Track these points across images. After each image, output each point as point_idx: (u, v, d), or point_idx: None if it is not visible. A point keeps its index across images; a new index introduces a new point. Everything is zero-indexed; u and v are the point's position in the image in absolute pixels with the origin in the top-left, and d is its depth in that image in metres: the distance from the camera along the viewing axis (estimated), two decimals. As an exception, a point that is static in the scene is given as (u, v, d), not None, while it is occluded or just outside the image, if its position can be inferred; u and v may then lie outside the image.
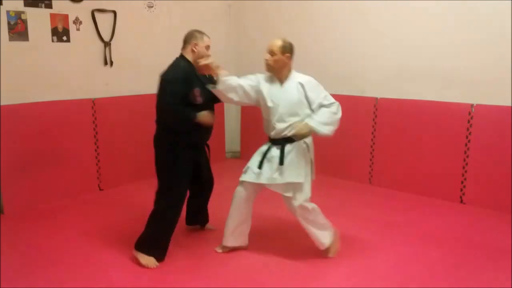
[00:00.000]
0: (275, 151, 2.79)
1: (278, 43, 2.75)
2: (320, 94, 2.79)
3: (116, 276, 2.72)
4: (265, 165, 2.79)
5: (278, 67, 2.77)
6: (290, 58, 2.79)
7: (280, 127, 2.76)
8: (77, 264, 2.86)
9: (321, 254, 2.98)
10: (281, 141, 2.79)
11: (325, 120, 2.75)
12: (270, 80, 2.84)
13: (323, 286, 2.62)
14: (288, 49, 2.76)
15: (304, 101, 2.77)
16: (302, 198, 2.79)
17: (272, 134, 2.82)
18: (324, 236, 2.92)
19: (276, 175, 2.76)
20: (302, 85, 2.77)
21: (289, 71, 2.82)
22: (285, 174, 2.75)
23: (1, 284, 2.60)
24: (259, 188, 2.88)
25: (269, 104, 2.78)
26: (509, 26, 3.63)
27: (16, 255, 2.98)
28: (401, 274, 2.74)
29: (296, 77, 2.81)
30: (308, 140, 2.86)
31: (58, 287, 2.59)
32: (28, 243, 3.18)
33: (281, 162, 2.74)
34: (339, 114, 2.82)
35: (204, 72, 2.84)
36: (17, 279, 2.68)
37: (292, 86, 2.78)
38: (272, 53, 2.74)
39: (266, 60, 2.78)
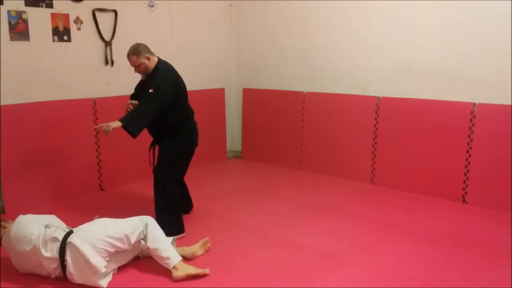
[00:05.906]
0: None
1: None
2: None
3: (117, 277, 2.71)
4: None
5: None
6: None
7: None
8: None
9: (321, 254, 2.97)
10: None
11: None
12: None
13: (323, 286, 2.60)
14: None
15: None
16: None
17: None
18: None
19: None
20: None
21: None
22: None
23: (1, 284, 2.60)
24: None
25: None
26: (511, 25, 3.61)
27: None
28: (402, 273, 2.72)
29: None
30: None
31: (58, 287, 2.58)
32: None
33: None
34: None
35: None
36: (17, 279, 2.67)
37: None
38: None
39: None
